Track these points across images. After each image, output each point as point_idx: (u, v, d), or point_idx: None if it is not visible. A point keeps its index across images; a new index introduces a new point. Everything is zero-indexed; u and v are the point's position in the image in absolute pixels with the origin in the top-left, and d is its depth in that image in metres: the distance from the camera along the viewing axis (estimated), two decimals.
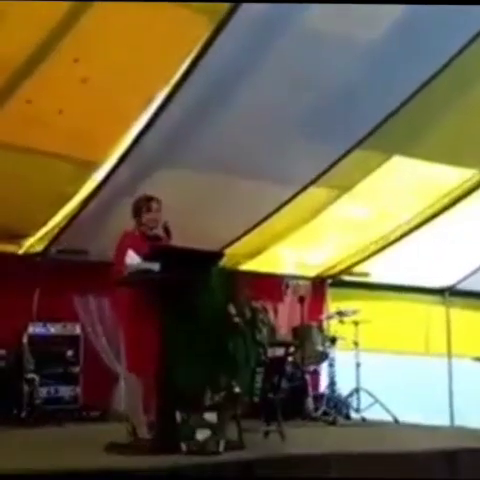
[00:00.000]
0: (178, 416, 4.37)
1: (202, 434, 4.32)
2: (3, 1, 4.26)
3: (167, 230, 4.86)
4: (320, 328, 7.76)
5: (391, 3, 4.74)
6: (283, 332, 8.24)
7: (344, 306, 7.93)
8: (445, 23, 4.82)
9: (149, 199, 4.98)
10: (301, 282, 8.54)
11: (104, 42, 4.79)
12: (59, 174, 5.94)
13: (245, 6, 4.58)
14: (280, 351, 6.29)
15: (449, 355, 9.14)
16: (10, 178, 5.90)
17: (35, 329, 6.98)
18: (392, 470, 4.45)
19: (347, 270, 8.68)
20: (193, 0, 4.59)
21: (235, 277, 6.49)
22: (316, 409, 7.22)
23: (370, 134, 6.05)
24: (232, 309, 4.66)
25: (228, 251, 7.05)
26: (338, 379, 7.52)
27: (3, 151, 5.56)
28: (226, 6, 4.62)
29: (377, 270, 8.63)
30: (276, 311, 8.42)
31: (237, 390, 4.77)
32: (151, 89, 5.25)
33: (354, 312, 7.64)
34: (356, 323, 7.62)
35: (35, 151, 5.60)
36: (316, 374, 8.02)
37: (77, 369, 7.14)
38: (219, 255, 5.29)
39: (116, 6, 4.47)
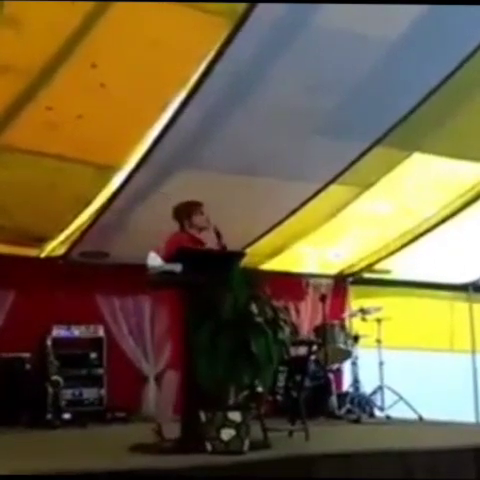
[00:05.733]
0: (202, 416, 4.39)
1: (227, 434, 4.33)
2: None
3: (218, 234, 4.97)
4: (342, 326, 7.74)
5: (399, 3, 4.72)
6: (305, 331, 8.24)
7: (366, 304, 7.91)
8: (464, 19, 4.77)
9: (199, 204, 5.21)
10: (322, 280, 8.53)
11: (121, 47, 4.82)
12: (79, 178, 5.99)
13: (261, 8, 4.59)
14: (302, 350, 6.29)
15: (473, 351, 9.07)
16: (31, 183, 5.97)
17: (59, 332, 7.06)
18: (418, 467, 4.43)
19: (368, 267, 8.65)
20: (206, 0, 4.60)
21: (256, 276, 6.48)
22: (340, 407, 7.21)
23: (390, 131, 6.03)
24: (254, 308, 4.66)
25: (249, 250, 7.06)
26: (361, 377, 7.50)
27: (24, 157, 5.62)
28: (242, 8, 4.62)
29: (399, 267, 8.59)
30: (298, 310, 8.42)
31: (260, 389, 4.78)
32: (169, 92, 5.27)
33: (376, 310, 7.61)
34: (379, 321, 7.59)
35: (56, 156, 5.65)
36: (339, 372, 8.00)
37: (101, 371, 7.21)
38: (240, 255, 5.30)
39: (132, 10, 4.50)
